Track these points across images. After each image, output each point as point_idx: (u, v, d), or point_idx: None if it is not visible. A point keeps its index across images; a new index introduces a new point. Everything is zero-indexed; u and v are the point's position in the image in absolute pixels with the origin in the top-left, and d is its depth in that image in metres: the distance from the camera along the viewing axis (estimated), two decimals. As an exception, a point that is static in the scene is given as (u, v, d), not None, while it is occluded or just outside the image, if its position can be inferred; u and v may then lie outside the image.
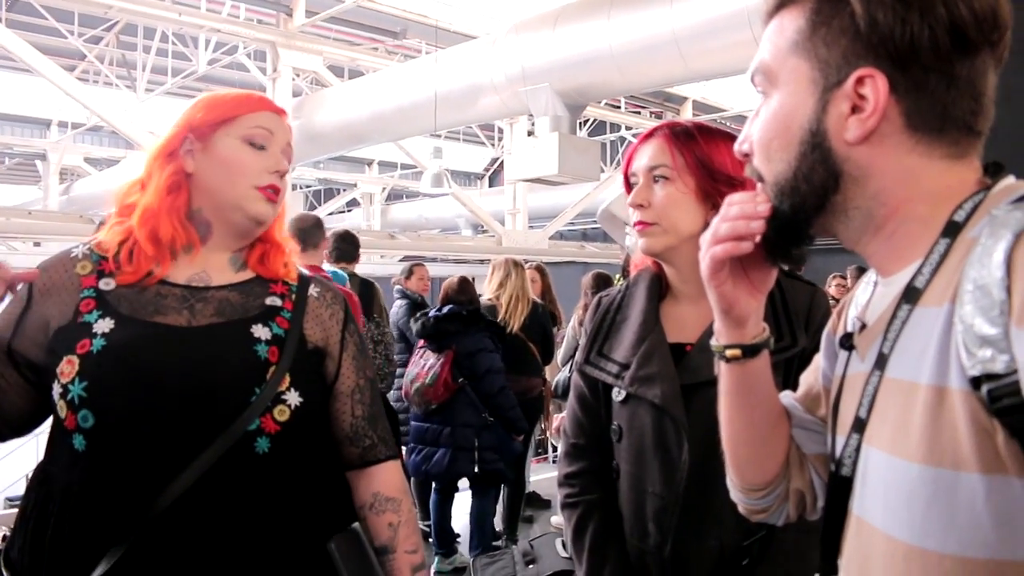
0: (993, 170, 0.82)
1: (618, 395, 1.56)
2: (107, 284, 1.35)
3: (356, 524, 1.48)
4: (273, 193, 1.41)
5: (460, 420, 4.65)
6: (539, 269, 6.08)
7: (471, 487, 4.91)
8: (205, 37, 10.20)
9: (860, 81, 0.79)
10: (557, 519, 5.75)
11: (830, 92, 0.82)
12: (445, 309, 4.72)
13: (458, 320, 4.67)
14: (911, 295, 0.78)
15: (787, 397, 1.11)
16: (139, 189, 1.42)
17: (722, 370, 1.04)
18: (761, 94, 0.90)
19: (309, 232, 4.06)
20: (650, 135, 1.57)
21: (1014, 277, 0.66)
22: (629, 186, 1.58)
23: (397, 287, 5.61)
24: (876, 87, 0.79)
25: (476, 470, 4.65)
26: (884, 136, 0.80)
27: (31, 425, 1.40)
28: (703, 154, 1.51)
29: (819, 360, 1.06)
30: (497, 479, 4.88)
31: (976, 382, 0.68)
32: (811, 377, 1.09)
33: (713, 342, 1.04)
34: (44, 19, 9.35)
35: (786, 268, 1.35)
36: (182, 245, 1.38)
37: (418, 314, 4.89)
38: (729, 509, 1.22)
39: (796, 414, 1.08)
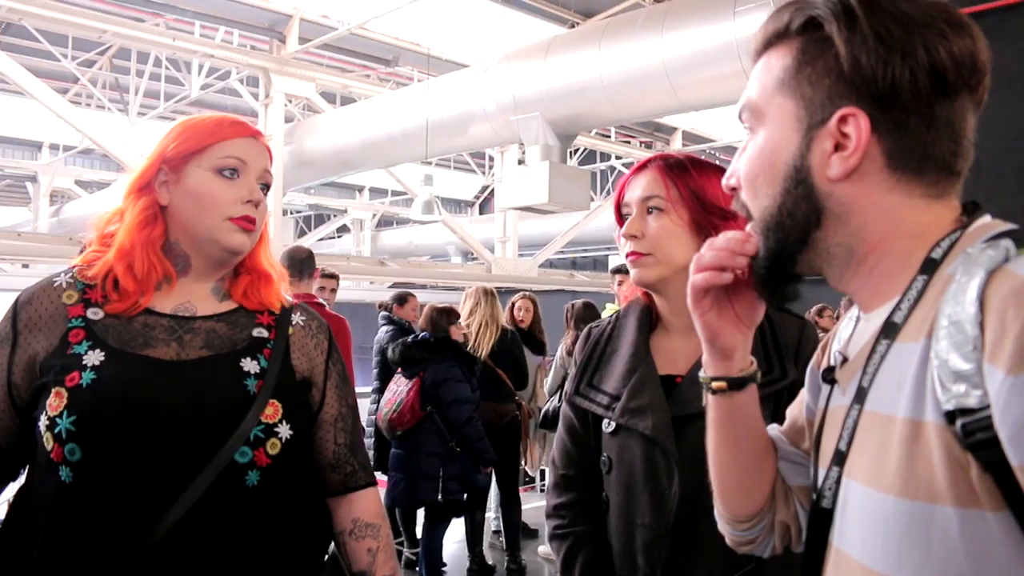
0: (971, 209, 0.84)
1: (608, 426, 1.56)
2: (95, 313, 1.33)
3: (333, 550, 1.50)
4: (247, 223, 1.38)
5: (425, 448, 4.69)
6: (531, 299, 6.13)
7: (425, 516, 4.91)
8: (198, 62, 10.23)
9: (843, 120, 0.81)
10: (544, 549, 5.73)
11: (814, 130, 0.84)
12: (419, 336, 4.79)
13: (426, 348, 4.73)
14: (890, 330, 0.80)
15: (773, 430, 1.12)
16: (118, 219, 1.40)
17: (709, 402, 1.06)
18: (748, 130, 0.92)
19: (305, 263, 4.23)
20: (643, 167, 1.58)
21: (987, 314, 0.68)
22: (621, 217, 1.59)
23: (383, 313, 5.61)
24: (858, 126, 0.81)
25: (439, 499, 4.68)
26: (865, 174, 0.82)
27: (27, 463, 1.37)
28: (696, 186, 1.53)
29: (804, 393, 1.07)
30: (455, 509, 4.89)
31: (951, 416, 0.69)
32: (796, 410, 1.10)
33: (700, 374, 1.05)
34: (38, 42, 9.36)
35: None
36: (158, 279, 1.37)
37: (397, 341, 4.93)
38: (718, 542, 1.22)
39: (781, 447, 1.09)
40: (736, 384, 1.02)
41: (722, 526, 1.13)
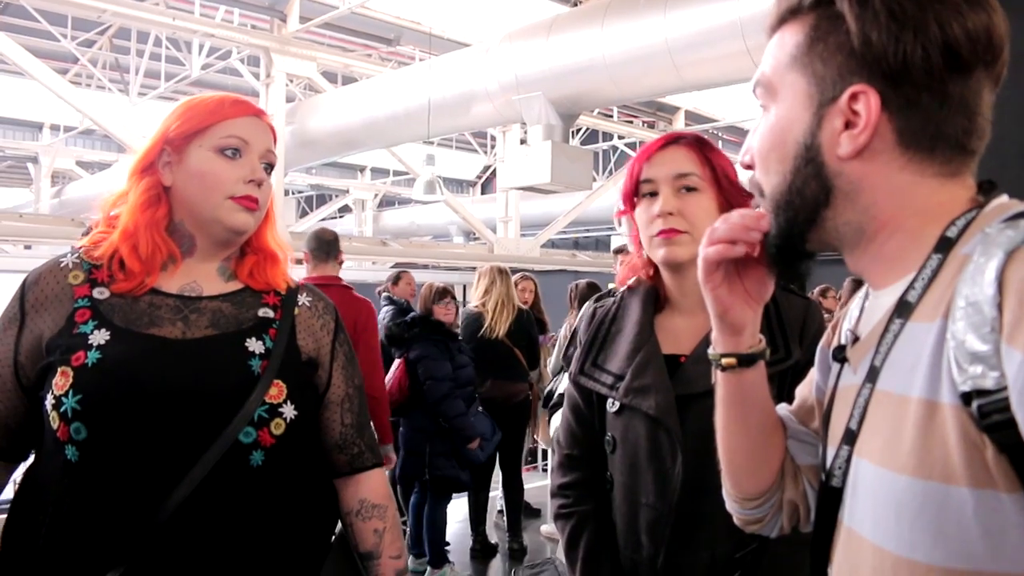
0: (987, 188, 0.83)
1: (612, 406, 1.56)
2: (101, 293, 1.34)
3: (340, 530, 1.51)
4: (251, 202, 1.38)
5: (413, 424, 4.77)
6: (532, 279, 6.17)
7: (429, 493, 4.95)
8: (199, 42, 10.18)
9: (854, 97, 0.81)
10: (547, 528, 5.76)
11: (825, 107, 0.83)
12: (409, 317, 4.88)
13: (408, 326, 4.81)
14: (903, 309, 0.79)
15: (782, 409, 1.12)
16: (123, 201, 1.41)
17: (718, 379, 1.06)
18: (761, 107, 0.92)
19: (332, 245, 4.25)
20: (668, 143, 1.56)
21: (1005, 295, 0.67)
22: (636, 193, 1.57)
23: (385, 294, 5.64)
24: (868, 103, 0.80)
25: (426, 475, 4.72)
26: (876, 152, 0.81)
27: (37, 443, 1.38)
28: (722, 166, 1.53)
29: (813, 373, 1.07)
30: (449, 486, 4.90)
31: (967, 397, 0.69)
32: (805, 390, 1.10)
33: (710, 351, 1.05)
34: (37, 22, 9.31)
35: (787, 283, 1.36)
36: (162, 259, 1.37)
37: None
38: (722, 521, 1.22)
39: (790, 425, 1.09)
40: (746, 360, 1.02)
41: (730, 504, 1.13)
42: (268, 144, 1.43)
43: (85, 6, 8.35)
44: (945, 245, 0.78)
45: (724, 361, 1.03)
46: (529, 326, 5.52)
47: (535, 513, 6.24)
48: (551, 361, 5.60)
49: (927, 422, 0.73)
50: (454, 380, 4.76)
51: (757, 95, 0.92)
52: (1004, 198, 0.82)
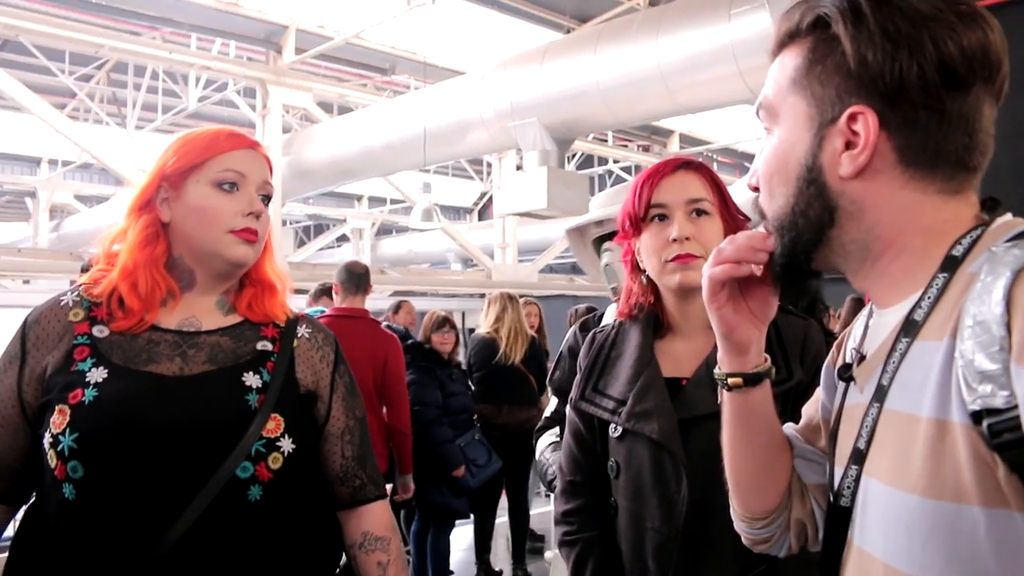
0: (990, 206, 0.83)
1: (615, 431, 1.56)
2: (100, 331, 1.34)
3: (345, 562, 1.50)
4: (250, 235, 1.39)
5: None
6: (536, 305, 6.21)
7: (432, 520, 4.93)
8: (195, 75, 10.23)
9: (852, 118, 0.81)
10: (550, 554, 5.72)
11: (825, 128, 0.84)
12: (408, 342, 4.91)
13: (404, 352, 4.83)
14: (910, 328, 0.80)
15: (788, 428, 1.12)
16: (123, 238, 1.41)
17: (724, 399, 1.07)
18: (765, 129, 0.93)
19: (362, 278, 4.36)
20: (677, 167, 1.58)
21: (1014, 314, 0.67)
22: (644, 218, 1.57)
23: (384, 323, 5.65)
24: (867, 123, 0.81)
25: (413, 502, 4.71)
26: (877, 172, 0.82)
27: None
28: (726, 190, 1.57)
29: (819, 392, 1.07)
30: (440, 513, 4.88)
31: (977, 416, 0.69)
32: (811, 408, 1.11)
33: (716, 370, 1.06)
34: (35, 58, 9.36)
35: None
36: (161, 296, 1.37)
37: None
38: (729, 544, 1.22)
39: (797, 444, 1.10)
40: (752, 380, 1.03)
41: (738, 524, 1.13)
42: (264, 176, 1.44)
43: (83, 41, 8.41)
44: (951, 264, 0.79)
45: (731, 381, 1.04)
46: (540, 352, 5.58)
47: (538, 539, 6.19)
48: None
49: (937, 442, 0.73)
50: (443, 407, 4.77)
51: (761, 118, 0.93)
52: (1008, 216, 0.82)
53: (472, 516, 5.18)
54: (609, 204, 2.11)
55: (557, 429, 2.31)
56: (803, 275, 0.92)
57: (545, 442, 2.35)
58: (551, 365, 6.04)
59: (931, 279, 0.79)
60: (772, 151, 0.90)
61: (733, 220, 1.57)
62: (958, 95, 0.80)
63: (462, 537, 5.49)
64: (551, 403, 2.41)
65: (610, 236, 2.02)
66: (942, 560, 0.73)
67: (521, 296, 6.05)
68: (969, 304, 0.72)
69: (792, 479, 1.08)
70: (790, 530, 1.09)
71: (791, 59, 0.88)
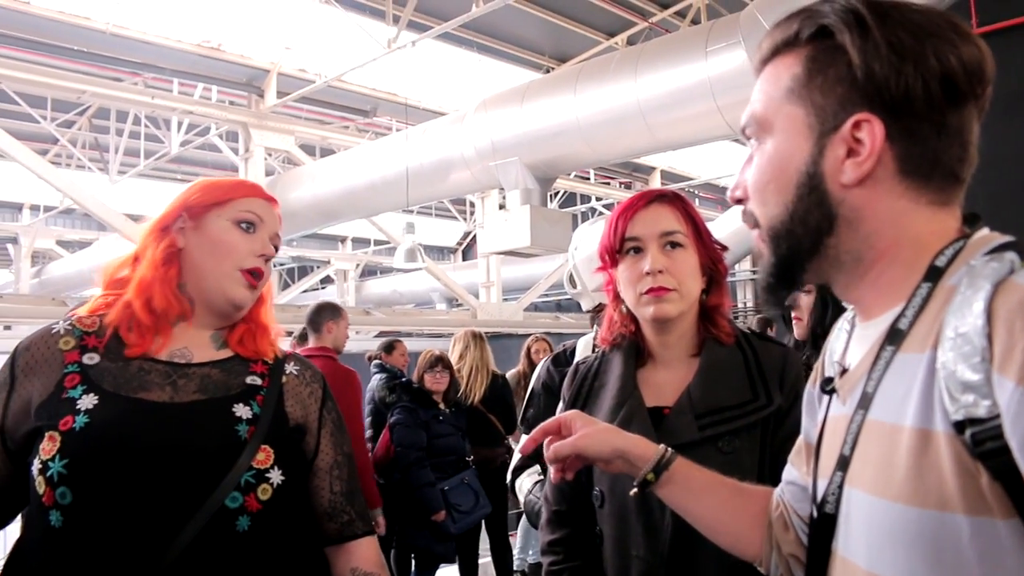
0: (971, 220, 0.85)
1: (598, 460, 1.57)
2: (91, 359, 1.35)
3: None
4: (255, 278, 1.44)
5: (391, 489, 4.73)
6: (546, 340, 6.17)
7: (416, 562, 4.92)
8: (177, 119, 10.29)
9: (857, 125, 0.83)
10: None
11: (827, 137, 0.85)
12: (393, 382, 5.01)
13: (390, 391, 4.94)
14: (894, 337, 0.81)
15: (788, 472, 1.13)
16: (132, 263, 1.45)
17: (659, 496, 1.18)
18: (754, 142, 0.93)
19: (316, 315, 4.55)
20: (651, 200, 1.60)
21: (995, 326, 0.69)
22: (620, 251, 1.59)
23: (376, 362, 5.64)
24: (872, 131, 0.82)
25: (393, 543, 4.70)
26: (878, 180, 0.83)
27: (23, 506, 1.38)
28: (701, 222, 1.59)
29: (805, 420, 1.09)
30: (424, 556, 4.85)
31: (960, 426, 0.70)
32: (801, 439, 1.11)
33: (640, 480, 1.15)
34: (18, 105, 9.39)
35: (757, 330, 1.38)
36: (175, 315, 1.40)
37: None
38: (713, 570, 1.23)
39: (794, 481, 1.10)
40: (660, 469, 1.14)
41: None
42: (276, 228, 1.51)
43: (65, 88, 8.46)
44: (934, 274, 0.80)
45: (648, 478, 1.14)
46: (504, 391, 5.51)
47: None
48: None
49: (921, 451, 0.74)
50: (426, 450, 4.73)
51: (748, 133, 0.94)
52: (985, 231, 0.84)
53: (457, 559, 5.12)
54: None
55: (538, 467, 2.30)
56: (792, 286, 0.92)
57: (531, 481, 2.34)
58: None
59: (915, 288, 0.81)
60: (767, 160, 0.90)
61: (707, 251, 1.59)
62: (956, 108, 0.82)
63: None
64: (523, 440, 2.40)
65: None
66: (925, 568, 0.74)
67: (507, 335, 6.05)
68: (950, 316, 0.74)
69: (769, 519, 1.11)
70: (788, 564, 1.09)
71: (786, 69, 0.89)
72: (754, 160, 0.92)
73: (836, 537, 0.87)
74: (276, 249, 1.50)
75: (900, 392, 0.78)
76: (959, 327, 0.72)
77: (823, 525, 0.89)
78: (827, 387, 0.94)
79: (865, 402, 0.83)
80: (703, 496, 1.11)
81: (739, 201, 0.95)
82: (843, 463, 0.85)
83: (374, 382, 5.47)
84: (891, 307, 0.84)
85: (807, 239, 0.87)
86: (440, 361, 4.96)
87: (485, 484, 5.00)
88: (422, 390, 4.88)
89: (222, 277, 1.42)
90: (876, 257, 0.85)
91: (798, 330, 3.17)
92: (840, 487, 0.86)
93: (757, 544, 1.09)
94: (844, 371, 0.92)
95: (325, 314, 4.55)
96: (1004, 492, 0.69)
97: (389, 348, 5.90)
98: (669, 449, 1.15)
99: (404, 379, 5.01)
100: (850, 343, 0.93)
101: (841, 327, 0.99)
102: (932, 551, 0.73)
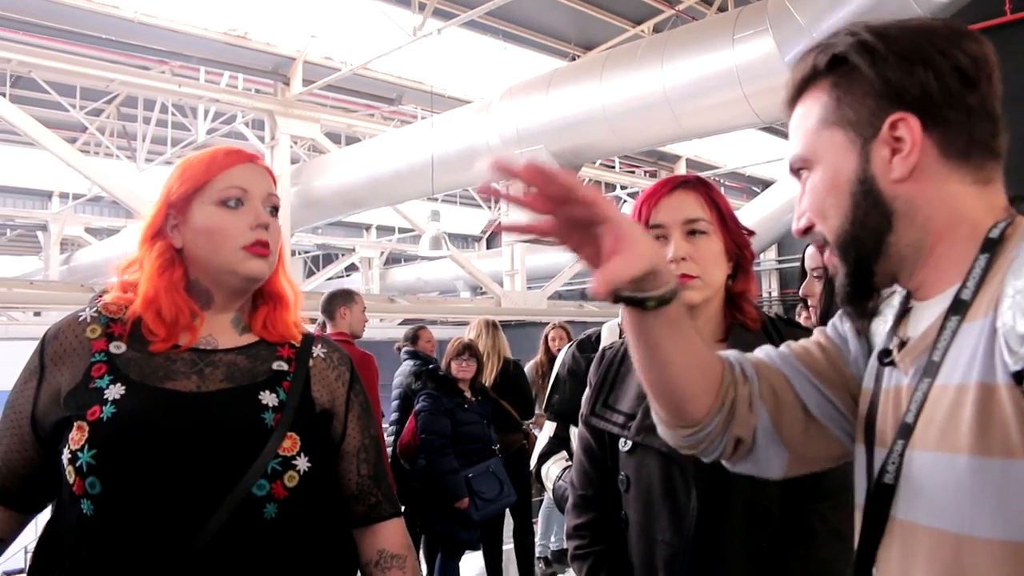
0: (1017, 201, 0.92)
1: (624, 445, 1.57)
2: (118, 347, 1.35)
3: None
4: (261, 247, 1.40)
5: (416, 475, 4.76)
6: (564, 328, 6.16)
7: (440, 548, 4.92)
8: (204, 107, 10.35)
9: (893, 126, 0.89)
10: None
11: (869, 144, 0.91)
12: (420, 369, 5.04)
13: (416, 377, 4.96)
14: (959, 307, 0.85)
15: (783, 350, 1.12)
16: (136, 267, 1.43)
17: (638, 319, 1.00)
18: (803, 177, 0.99)
19: (329, 303, 4.63)
20: (676, 186, 1.59)
21: None
22: None
23: (406, 349, 5.66)
24: (910, 126, 0.89)
25: (417, 530, 4.69)
26: (924, 169, 0.89)
27: (55, 495, 1.38)
28: (727, 208, 1.57)
29: (820, 331, 1.11)
30: (444, 543, 4.85)
31: (1019, 376, 0.75)
32: (814, 343, 1.11)
33: (629, 293, 0.97)
34: (47, 94, 9.48)
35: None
36: (186, 320, 1.38)
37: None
38: (740, 554, 1.22)
39: (798, 369, 1.08)
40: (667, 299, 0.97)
41: (661, 430, 1.11)
42: (268, 187, 1.45)
43: (93, 76, 8.55)
44: (990, 245, 0.86)
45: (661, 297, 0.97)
46: (517, 376, 5.51)
47: (547, 561, 6.17)
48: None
49: (984, 403, 0.79)
50: (451, 437, 4.73)
51: (794, 174, 1.00)
52: None
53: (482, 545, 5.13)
54: None
55: (565, 453, 2.31)
56: (868, 292, 0.96)
57: (559, 468, 2.34)
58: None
59: (973, 261, 0.86)
60: (819, 183, 0.96)
61: (733, 237, 1.57)
62: (974, 90, 0.89)
63: (473, 564, 5.45)
64: (548, 427, 2.40)
65: None
66: (990, 516, 0.78)
67: (530, 324, 6.06)
68: (1009, 277, 0.79)
69: (731, 396, 1.05)
70: (723, 438, 1.06)
71: (813, 103, 0.96)
72: (807, 188, 0.98)
73: (894, 503, 0.89)
74: (276, 209, 1.45)
75: (966, 357, 0.82)
76: (1018, 285, 0.77)
77: (881, 495, 0.91)
78: (886, 359, 0.96)
79: (932, 370, 0.86)
80: (683, 341, 1.01)
81: (808, 230, 0.99)
82: (905, 431, 0.88)
83: (404, 367, 5.51)
84: (952, 283, 0.88)
85: (871, 241, 0.92)
86: (468, 349, 4.96)
87: (508, 469, 5.01)
88: (447, 378, 4.88)
89: (227, 260, 1.38)
90: (935, 241, 0.90)
91: (813, 316, 3.17)
92: (900, 455, 0.88)
93: (703, 410, 1.04)
94: (903, 344, 0.94)
95: (337, 301, 4.61)
96: None
97: (414, 337, 5.91)
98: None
99: (431, 366, 5.02)
100: (911, 318, 0.95)
101: (891, 303, 1.01)
102: (998, 498, 0.77)
